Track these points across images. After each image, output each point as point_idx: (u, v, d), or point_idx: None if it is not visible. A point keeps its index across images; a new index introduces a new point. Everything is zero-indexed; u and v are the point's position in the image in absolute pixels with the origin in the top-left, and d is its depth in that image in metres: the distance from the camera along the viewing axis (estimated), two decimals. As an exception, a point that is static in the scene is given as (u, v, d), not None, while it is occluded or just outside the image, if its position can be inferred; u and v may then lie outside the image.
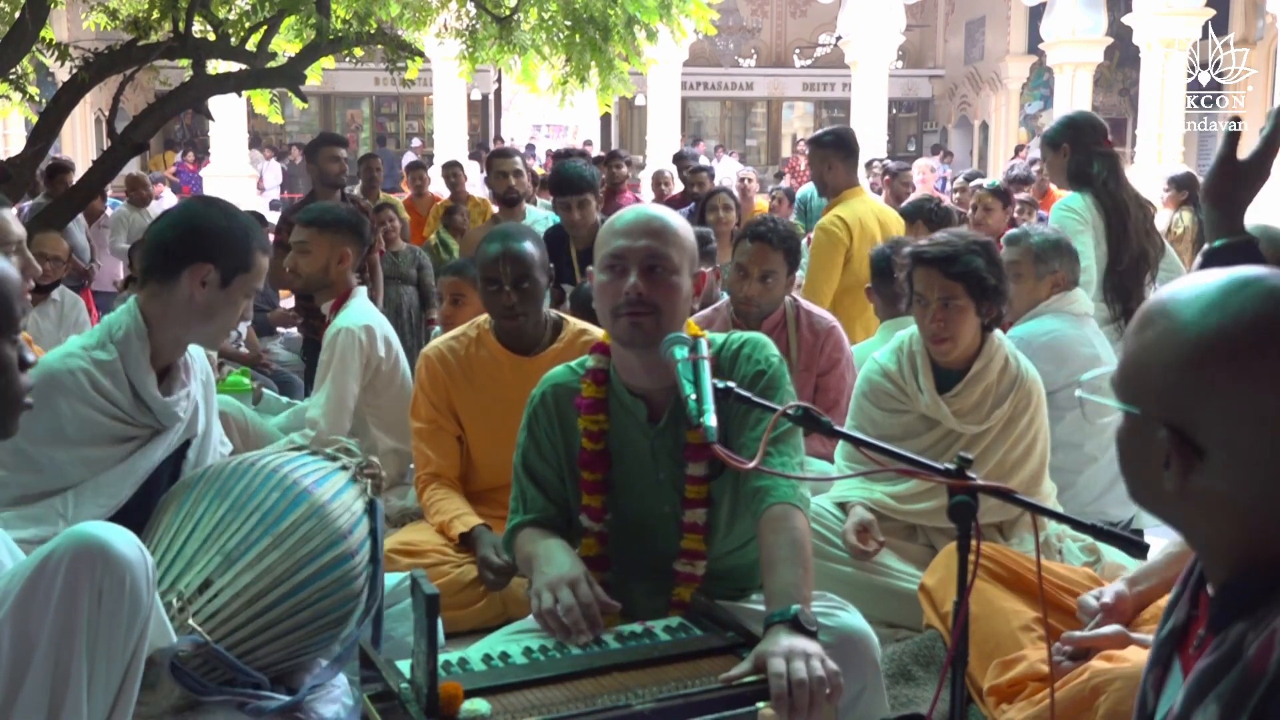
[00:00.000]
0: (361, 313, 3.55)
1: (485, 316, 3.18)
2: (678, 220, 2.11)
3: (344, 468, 2.36)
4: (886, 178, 8.48)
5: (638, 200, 8.50)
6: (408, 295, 6.47)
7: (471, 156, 17.28)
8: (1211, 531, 1.16)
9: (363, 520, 2.31)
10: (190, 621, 2.03)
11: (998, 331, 3.08)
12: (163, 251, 2.28)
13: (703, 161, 9.34)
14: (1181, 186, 7.87)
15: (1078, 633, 2.21)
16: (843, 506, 3.09)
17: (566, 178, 4.59)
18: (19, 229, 2.59)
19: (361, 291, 3.64)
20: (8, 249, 2.57)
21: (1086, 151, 4.13)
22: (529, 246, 3.07)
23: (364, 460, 2.43)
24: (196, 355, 2.45)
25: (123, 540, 1.72)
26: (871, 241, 4.57)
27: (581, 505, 2.17)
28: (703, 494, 2.10)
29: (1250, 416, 1.08)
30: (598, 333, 3.13)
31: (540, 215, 5.64)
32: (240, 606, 2.09)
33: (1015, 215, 6.38)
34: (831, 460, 3.37)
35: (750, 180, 8.79)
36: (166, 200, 13.62)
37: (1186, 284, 1.15)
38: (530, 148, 19.45)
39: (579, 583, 1.92)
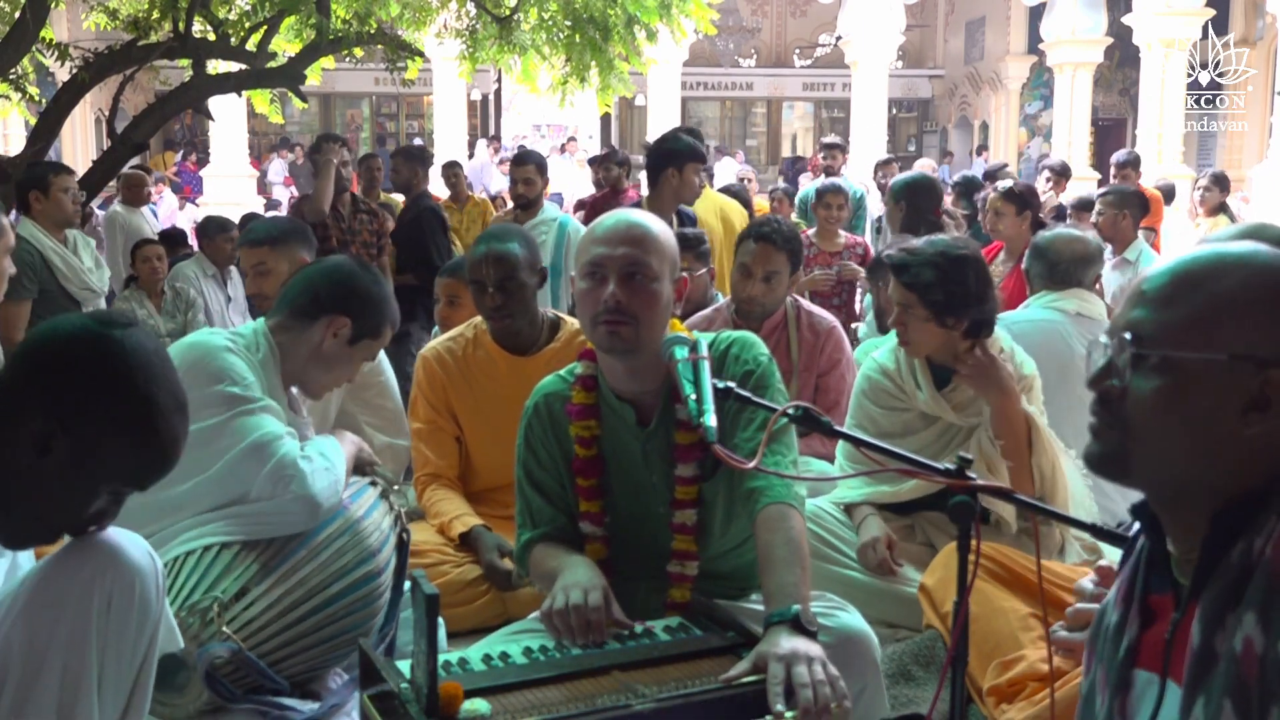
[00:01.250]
0: None
1: (482, 318, 3.18)
2: (658, 225, 2.09)
3: (373, 484, 2.39)
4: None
5: (640, 199, 8.47)
6: (404, 295, 6.47)
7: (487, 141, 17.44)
8: (1234, 471, 1.18)
9: (390, 539, 2.34)
10: (224, 629, 2.05)
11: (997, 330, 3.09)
12: (311, 294, 2.43)
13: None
14: (1224, 187, 7.66)
15: (1070, 635, 2.20)
16: (847, 510, 3.09)
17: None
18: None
19: None
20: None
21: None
22: (514, 248, 3.06)
23: (395, 483, 2.47)
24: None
25: (133, 546, 1.73)
26: (710, 230, 5.17)
27: (581, 512, 2.16)
28: (692, 495, 2.10)
29: None
30: None
31: (552, 214, 5.66)
32: (273, 616, 2.11)
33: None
34: (832, 460, 3.37)
35: (750, 180, 8.78)
36: (166, 200, 13.59)
37: (1222, 246, 1.23)
38: (521, 148, 19.45)
39: (593, 590, 1.90)
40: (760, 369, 2.10)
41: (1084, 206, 6.28)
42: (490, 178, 15.81)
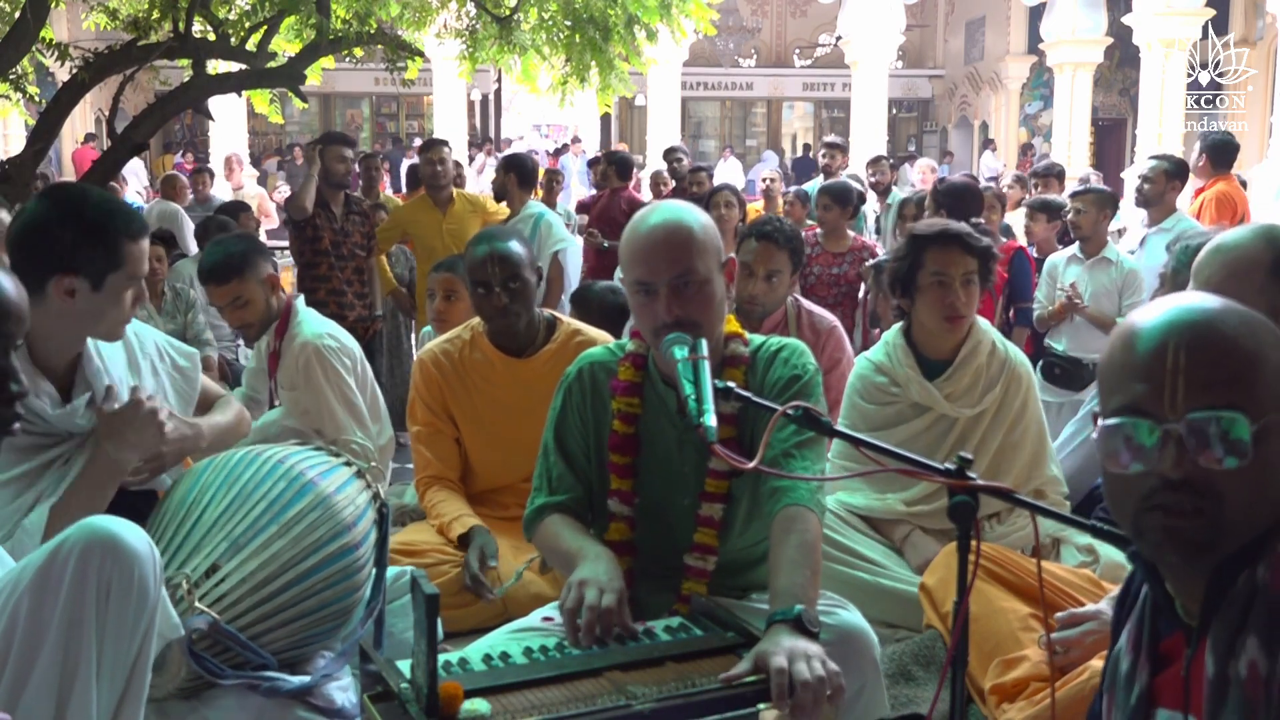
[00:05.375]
0: (317, 321, 3.51)
1: (479, 319, 3.17)
2: (695, 219, 2.06)
3: (348, 464, 2.38)
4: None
5: (638, 199, 8.49)
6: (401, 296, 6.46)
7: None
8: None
9: (367, 514, 2.31)
10: (198, 604, 2.03)
11: (980, 320, 3.11)
12: (18, 269, 2.05)
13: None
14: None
15: (1065, 633, 2.21)
16: (876, 525, 3.08)
17: None
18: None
19: (300, 301, 3.53)
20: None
21: None
22: (515, 246, 3.05)
23: (372, 460, 2.44)
24: (145, 338, 2.40)
25: (131, 533, 1.75)
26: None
27: (611, 489, 2.16)
28: (722, 489, 2.10)
29: None
30: (592, 332, 3.13)
31: (534, 210, 5.72)
32: (247, 592, 2.10)
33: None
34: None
35: (774, 181, 8.79)
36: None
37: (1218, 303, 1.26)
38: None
39: (609, 592, 1.88)
40: (807, 376, 2.11)
41: (1043, 209, 6.20)
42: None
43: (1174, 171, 5.73)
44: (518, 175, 5.91)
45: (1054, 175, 7.84)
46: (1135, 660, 1.32)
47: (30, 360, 2.14)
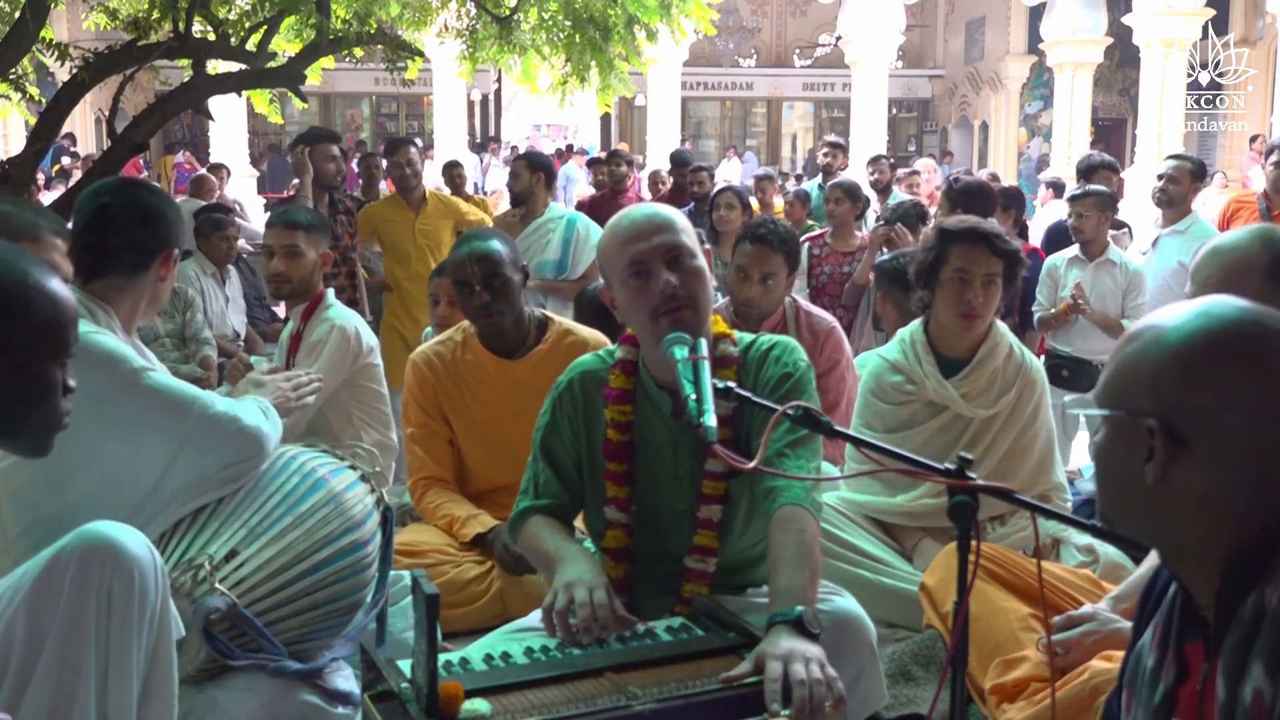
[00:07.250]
0: (347, 312, 3.56)
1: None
2: (676, 211, 2.13)
3: (353, 467, 2.43)
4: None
5: (640, 199, 8.49)
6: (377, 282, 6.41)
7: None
8: (1189, 528, 1.22)
9: (374, 514, 2.36)
10: (218, 585, 2.07)
11: (999, 322, 3.12)
12: (137, 246, 2.30)
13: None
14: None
15: (1065, 634, 2.21)
16: (887, 529, 3.08)
17: None
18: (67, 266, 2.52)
19: (331, 293, 3.57)
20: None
21: None
22: (496, 244, 3.06)
23: (377, 466, 2.47)
24: None
25: (132, 539, 1.77)
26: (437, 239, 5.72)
27: (608, 497, 2.16)
28: (720, 490, 2.10)
29: (1228, 410, 1.18)
30: (583, 332, 3.13)
31: (559, 213, 5.64)
32: (264, 578, 2.14)
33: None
34: (834, 462, 3.37)
35: (770, 181, 8.76)
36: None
37: (1166, 310, 1.28)
38: (514, 150, 19.52)
39: (597, 588, 1.90)
40: (799, 374, 2.11)
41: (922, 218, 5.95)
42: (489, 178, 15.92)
43: (1197, 173, 5.68)
44: (546, 176, 5.65)
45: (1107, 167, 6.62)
46: (1161, 659, 1.31)
47: (126, 334, 2.30)
